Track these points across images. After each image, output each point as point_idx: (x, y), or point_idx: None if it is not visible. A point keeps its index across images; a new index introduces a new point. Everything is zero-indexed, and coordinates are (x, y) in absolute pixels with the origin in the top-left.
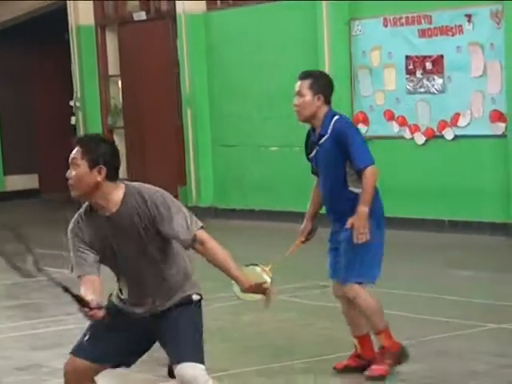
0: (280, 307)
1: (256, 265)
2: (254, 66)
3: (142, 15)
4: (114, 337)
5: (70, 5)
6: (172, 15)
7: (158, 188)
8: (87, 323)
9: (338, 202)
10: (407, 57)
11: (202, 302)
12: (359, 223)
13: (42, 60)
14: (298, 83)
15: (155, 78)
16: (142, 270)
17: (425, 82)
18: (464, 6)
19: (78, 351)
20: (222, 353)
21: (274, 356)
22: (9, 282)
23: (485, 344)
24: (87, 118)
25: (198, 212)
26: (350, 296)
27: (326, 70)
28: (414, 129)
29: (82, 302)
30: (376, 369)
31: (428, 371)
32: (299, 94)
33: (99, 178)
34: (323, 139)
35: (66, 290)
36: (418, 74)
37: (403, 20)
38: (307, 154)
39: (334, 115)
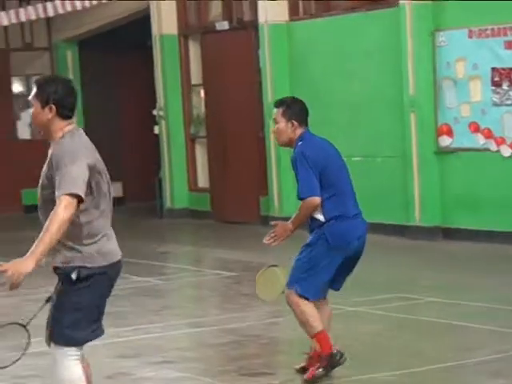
0: (364, 319)
1: (275, 266)
2: (336, 75)
3: (225, 25)
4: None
5: (153, 14)
6: (254, 25)
7: (73, 143)
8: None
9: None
10: (493, 69)
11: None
12: (278, 230)
13: (126, 69)
14: (274, 111)
15: (237, 88)
16: (44, 214)
17: (511, 94)
18: None
19: None
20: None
21: (359, 368)
22: None
23: None
24: (170, 127)
25: None
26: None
27: (410, 81)
28: (500, 141)
29: None
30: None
31: None
32: (275, 121)
33: (49, 116)
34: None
35: None
36: (505, 85)
37: (489, 31)
38: None
39: (301, 140)
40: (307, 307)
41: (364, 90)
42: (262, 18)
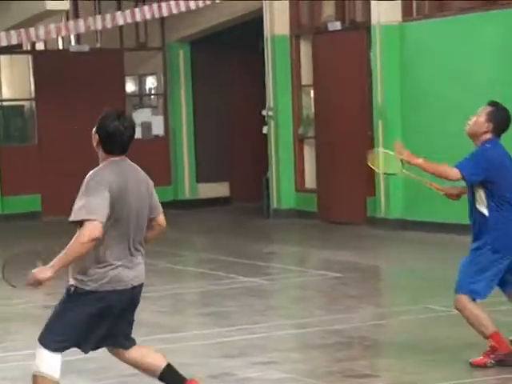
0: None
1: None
2: (447, 77)
3: (337, 25)
4: None
5: (266, 14)
6: (367, 26)
7: (97, 171)
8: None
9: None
10: None
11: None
12: None
13: (238, 68)
14: (484, 107)
15: (348, 89)
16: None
17: None
18: None
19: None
20: (409, 365)
21: (466, 371)
22: (201, 289)
23: None
24: (279, 128)
25: (387, 224)
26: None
27: None
28: None
29: None
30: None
31: None
32: (478, 113)
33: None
34: None
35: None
36: None
37: None
38: None
39: (490, 143)
40: (476, 308)
41: (477, 94)
42: (374, 19)
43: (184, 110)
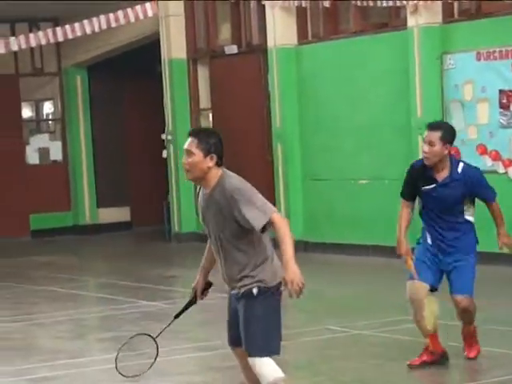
0: (369, 342)
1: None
2: (345, 98)
3: (234, 49)
4: (230, 318)
5: (162, 38)
6: (263, 49)
7: (239, 182)
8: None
9: None
10: (501, 91)
11: (271, 292)
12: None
13: (135, 93)
14: (429, 133)
15: (246, 112)
16: (220, 249)
17: None
18: None
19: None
20: None
21: None
22: (101, 314)
23: None
24: (178, 152)
25: None
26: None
27: (418, 104)
28: (508, 163)
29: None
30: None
31: None
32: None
33: (210, 164)
34: None
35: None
36: None
37: (496, 54)
38: None
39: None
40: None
41: (372, 113)
42: (270, 42)
43: (82, 134)
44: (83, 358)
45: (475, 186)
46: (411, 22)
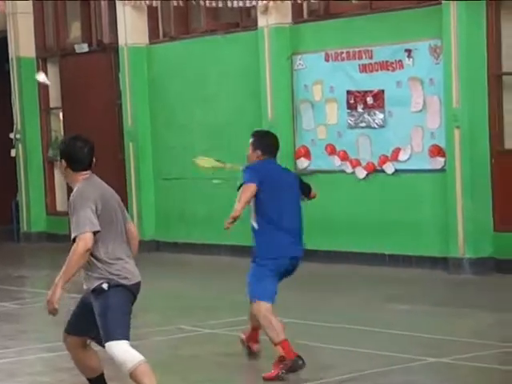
0: (221, 341)
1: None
2: (196, 98)
3: (84, 47)
4: (84, 311)
5: (10, 36)
6: (114, 47)
7: (83, 189)
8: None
9: None
10: (348, 91)
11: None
12: None
13: None
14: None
15: (97, 111)
16: None
17: (366, 116)
18: (404, 41)
19: (66, 328)
20: None
21: None
22: None
23: (425, 378)
24: (27, 151)
25: (140, 245)
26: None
27: (269, 104)
28: (355, 163)
29: None
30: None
31: None
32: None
33: (63, 169)
34: None
35: None
36: (359, 108)
37: (344, 55)
38: None
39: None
40: (269, 312)
41: (223, 114)
42: (121, 41)
43: None
44: None
45: None
46: (262, 22)
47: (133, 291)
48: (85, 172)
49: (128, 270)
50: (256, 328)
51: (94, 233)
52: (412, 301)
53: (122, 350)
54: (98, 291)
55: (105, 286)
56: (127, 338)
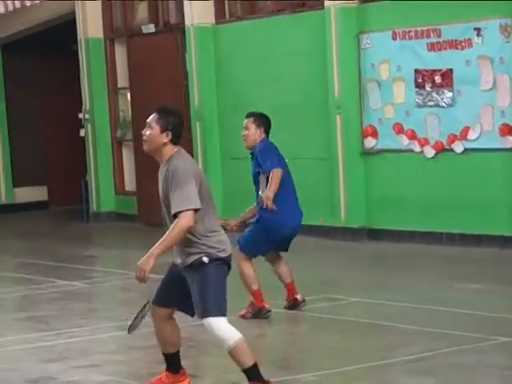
0: (289, 320)
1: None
2: (262, 78)
3: (151, 28)
4: (172, 284)
5: (79, 17)
6: (181, 28)
7: (184, 163)
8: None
9: None
10: (416, 70)
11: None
12: None
13: (52, 72)
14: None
15: (164, 91)
16: (168, 221)
17: (434, 95)
18: (473, 20)
19: (154, 300)
20: (230, 365)
21: (284, 369)
22: (19, 294)
23: (497, 357)
24: (96, 131)
25: None
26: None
27: (335, 84)
28: (424, 142)
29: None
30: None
31: None
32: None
33: (165, 140)
34: None
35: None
36: (427, 87)
37: (412, 33)
38: None
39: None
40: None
41: (290, 93)
42: (188, 21)
43: None
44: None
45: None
46: (328, 1)
47: (229, 263)
48: (177, 146)
49: (224, 242)
50: (288, 284)
51: (196, 210)
52: (481, 280)
53: (222, 327)
54: (196, 265)
55: (205, 259)
56: (225, 314)
